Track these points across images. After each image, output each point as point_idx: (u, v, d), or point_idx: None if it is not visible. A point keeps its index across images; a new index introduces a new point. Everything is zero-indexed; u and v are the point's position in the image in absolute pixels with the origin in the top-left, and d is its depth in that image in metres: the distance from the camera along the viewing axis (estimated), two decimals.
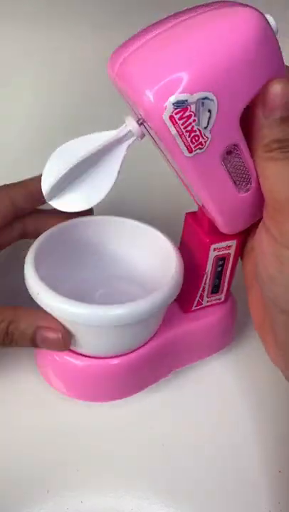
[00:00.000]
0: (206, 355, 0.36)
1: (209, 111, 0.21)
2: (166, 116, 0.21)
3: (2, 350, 0.35)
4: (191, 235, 0.31)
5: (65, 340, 0.28)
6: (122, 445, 0.32)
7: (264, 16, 0.22)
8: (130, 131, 0.24)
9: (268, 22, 0.22)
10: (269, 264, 0.24)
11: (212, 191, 0.25)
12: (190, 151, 0.22)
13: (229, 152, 0.23)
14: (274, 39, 0.22)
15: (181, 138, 0.22)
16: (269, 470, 0.32)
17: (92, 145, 0.24)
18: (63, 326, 0.28)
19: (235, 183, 0.25)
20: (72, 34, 0.54)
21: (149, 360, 0.32)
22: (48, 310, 0.27)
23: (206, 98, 0.21)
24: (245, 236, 0.30)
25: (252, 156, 0.24)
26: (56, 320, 0.28)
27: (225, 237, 0.29)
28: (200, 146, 0.22)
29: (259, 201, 0.26)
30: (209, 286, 0.32)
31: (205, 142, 0.22)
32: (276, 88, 0.21)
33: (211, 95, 0.21)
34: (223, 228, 0.28)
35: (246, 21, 0.21)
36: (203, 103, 0.21)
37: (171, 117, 0.21)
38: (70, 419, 0.33)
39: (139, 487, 0.31)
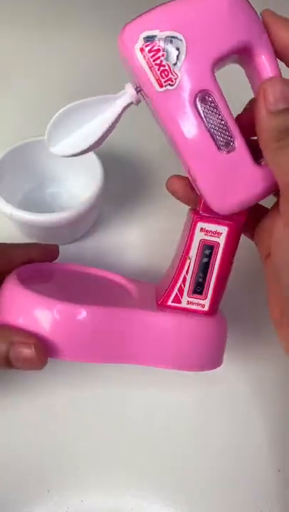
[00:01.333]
0: (168, 366, 0.28)
1: (178, 49, 0.24)
2: (137, 48, 0.24)
3: None
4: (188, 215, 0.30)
5: (39, 354, 0.25)
6: (121, 445, 0.32)
7: None
8: (127, 93, 0.27)
9: None
10: (286, 251, 0.25)
11: (187, 138, 0.25)
12: (160, 86, 0.25)
13: (203, 100, 0.25)
14: (250, 8, 0.25)
15: (151, 70, 0.24)
16: (268, 469, 0.32)
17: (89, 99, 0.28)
18: (36, 338, 0.26)
19: (213, 137, 0.26)
20: (71, 34, 0.53)
21: (96, 324, 0.27)
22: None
23: (174, 37, 0.24)
24: (237, 229, 0.28)
25: (263, 153, 0.25)
26: (29, 333, 0.26)
27: (215, 219, 0.28)
28: (170, 82, 0.24)
29: (246, 172, 0.26)
30: (192, 280, 0.29)
31: (175, 79, 0.24)
32: (272, 84, 0.24)
33: (179, 35, 0.24)
34: (212, 201, 0.27)
35: None
36: (171, 40, 0.24)
37: (141, 49, 0.24)
38: (70, 419, 0.33)
39: (139, 487, 0.31)
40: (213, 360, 0.30)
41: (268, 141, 0.25)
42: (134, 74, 0.25)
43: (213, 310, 0.30)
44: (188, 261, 0.29)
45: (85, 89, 0.52)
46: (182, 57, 0.24)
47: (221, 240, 0.28)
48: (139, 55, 0.24)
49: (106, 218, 0.43)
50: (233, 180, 0.26)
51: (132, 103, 0.27)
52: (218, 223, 0.28)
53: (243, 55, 0.26)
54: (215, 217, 0.28)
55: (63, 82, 0.53)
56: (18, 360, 0.25)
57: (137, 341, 0.28)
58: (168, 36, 0.24)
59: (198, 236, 0.29)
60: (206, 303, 0.29)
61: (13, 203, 0.37)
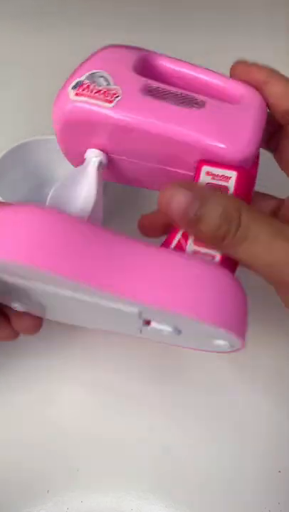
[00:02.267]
0: (169, 305, 0.22)
1: (101, 76, 0.26)
2: (73, 98, 0.26)
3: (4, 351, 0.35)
4: None
5: None
6: (121, 445, 0.32)
7: None
8: (92, 157, 0.28)
9: None
10: None
11: (163, 123, 0.25)
12: (110, 102, 0.26)
13: (150, 90, 0.26)
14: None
15: (95, 98, 0.26)
16: (269, 470, 0.32)
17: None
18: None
19: (180, 105, 0.26)
20: (72, 33, 0.53)
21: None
22: None
23: (93, 72, 0.26)
24: (248, 178, 0.26)
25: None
26: None
27: (223, 164, 0.25)
28: (115, 95, 0.26)
29: (228, 112, 0.26)
30: None
31: (118, 91, 0.26)
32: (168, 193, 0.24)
33: (96, 71, 0.26)
34: (225, 151, 0.25)
35: None
36: (93, 75, 0.26)
37: (77, 94, 0.26)
38: (70, 419, 0.33)
39: (139, 487, 0.31)
40: (225, 317, 0.23)
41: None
42: (87, 121, 0.26)
43: (227, 265, 0.25)
44: None
45: None
46: (109, 77, 0.26)
47: (230, 186, 0.25)
48: (79, 98, 0.26)
49: (106, 218, 0.43)
50: (225, 124, 0.25)
51: (101, 163, 0.28)
52: (226, 167, 0.25)
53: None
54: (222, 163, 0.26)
55: (64, 81, 0.53)
56: None
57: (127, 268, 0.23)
58: (89, 74, 0.26)
59: (204, 179, 0.25)
60: (217, 254, 0.25)
61: None
